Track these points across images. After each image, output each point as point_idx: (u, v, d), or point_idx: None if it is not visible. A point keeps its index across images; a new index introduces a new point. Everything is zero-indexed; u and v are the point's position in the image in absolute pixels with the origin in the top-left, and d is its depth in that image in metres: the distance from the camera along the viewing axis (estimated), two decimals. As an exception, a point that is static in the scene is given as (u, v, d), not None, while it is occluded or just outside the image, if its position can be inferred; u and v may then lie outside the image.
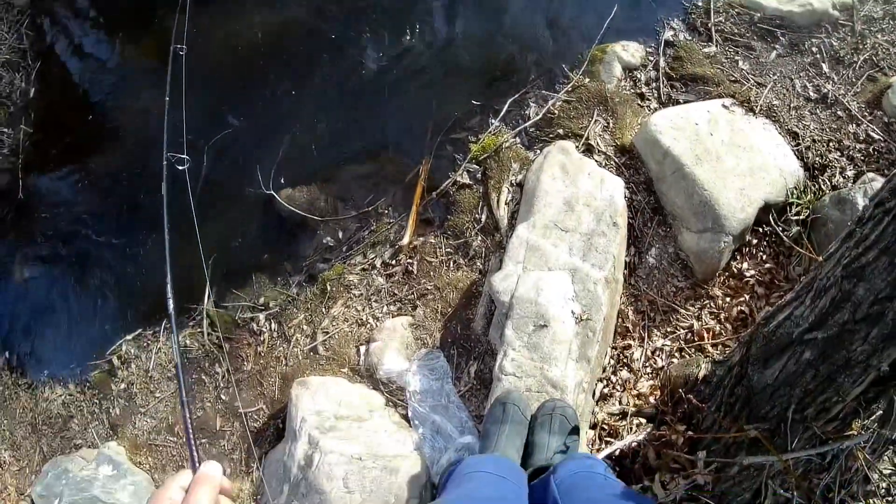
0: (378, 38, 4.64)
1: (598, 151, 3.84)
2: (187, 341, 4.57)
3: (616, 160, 3.81)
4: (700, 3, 4.20)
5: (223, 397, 4.35)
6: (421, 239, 3.95)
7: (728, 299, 3.48)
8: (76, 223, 5.15)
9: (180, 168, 2.66)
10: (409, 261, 3.93)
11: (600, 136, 3.91)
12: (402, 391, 3.58)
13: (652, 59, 4.10)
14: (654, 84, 4.04)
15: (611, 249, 3.38)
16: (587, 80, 4.04)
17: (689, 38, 4.11)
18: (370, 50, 4.59)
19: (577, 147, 3.78)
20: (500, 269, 3.38)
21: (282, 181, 4.43)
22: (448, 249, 3.87)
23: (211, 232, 4.48)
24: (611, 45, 4.08)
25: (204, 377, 4.47)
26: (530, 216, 3.49)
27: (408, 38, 4.53)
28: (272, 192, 4.33)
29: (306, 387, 3.65)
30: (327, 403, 3.55)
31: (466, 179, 3.94)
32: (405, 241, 3.93)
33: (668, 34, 4.05)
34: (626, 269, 3.57)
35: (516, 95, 4.09)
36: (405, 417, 3.56)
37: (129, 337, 4.81)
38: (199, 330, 4.60)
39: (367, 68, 4.54)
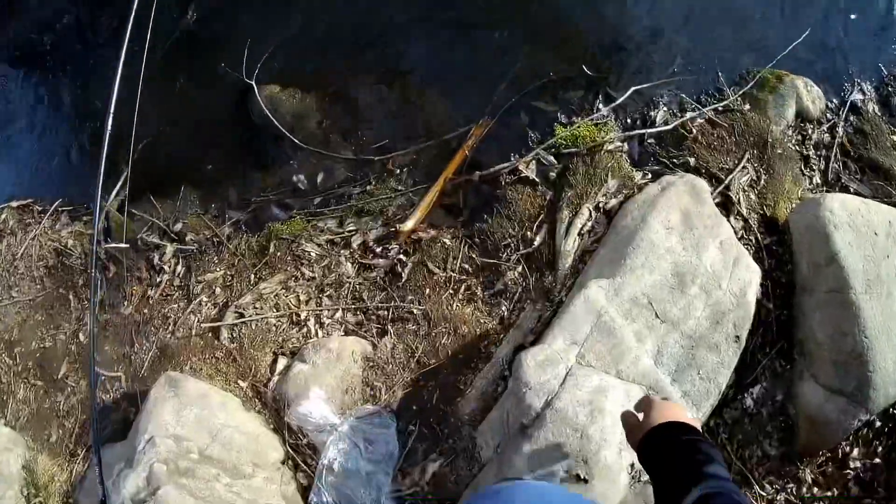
0: None
1: (738, 213, 2.49)
2: (70, 239, 3.26)
3: (758, 235, 2.48)
4: (901, 76, 2.85)
5: (81, 337, 3.09)
6: (431, 232, 2.61)
7: (815, 489, 2.40)
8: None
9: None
10: (401, 257, 2.59)
11: (745, 190, 2.55)
12: (315, 453, 2.26)
13: (830, 117, 2.76)
14: (823, 152, 2.73)
15: (719, 378, 2.06)
16: (747, 106, 2.69)
17: (881, 114, 2.80)
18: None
19: (711, 193, 2.44)
20: (538, 340, 2.05)
21: (270, 70, 3.08)
22: (466, 265, 2.52)
23: (155, 99, 3.13)
24: (791, 75, 2.70)
25: (70, 296, 3.21)
26: (616, 272, 2.17)
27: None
28: (252, 82, 2.92)
29: (177, 388, 2.35)
30: (197, 429, 2.26)
31: (532, 173, 2.58)
32: (408, 225, 2.58)
33: (856, 95, 2.77)
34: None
35: (644, 85, 2.71)
36: (305, 491, 2.26)
37: (14, 203, 3.60)
38: (89, 230, 3.27)
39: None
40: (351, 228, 2.66)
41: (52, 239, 3.33)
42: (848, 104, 2.78)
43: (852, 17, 2.99)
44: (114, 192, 3.15)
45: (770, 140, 2.62)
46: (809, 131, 2.74)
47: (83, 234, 3.27)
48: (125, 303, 2.99)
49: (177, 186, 3.05)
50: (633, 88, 2.68)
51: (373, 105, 2.91)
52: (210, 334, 2.69)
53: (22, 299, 3.38)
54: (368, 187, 2.73)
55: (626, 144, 2.63)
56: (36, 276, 3.36)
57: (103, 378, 2.96)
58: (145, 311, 2.94)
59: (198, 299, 2.78)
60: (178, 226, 2.94)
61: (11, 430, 3.11)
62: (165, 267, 2.91)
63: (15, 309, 3.42)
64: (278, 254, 2.69)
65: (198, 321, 2.74)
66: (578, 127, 2.61)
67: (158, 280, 2.92)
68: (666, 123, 2.64)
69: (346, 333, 2.55)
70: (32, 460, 3.03)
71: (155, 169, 3.14)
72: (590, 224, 2.50)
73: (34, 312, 3.32)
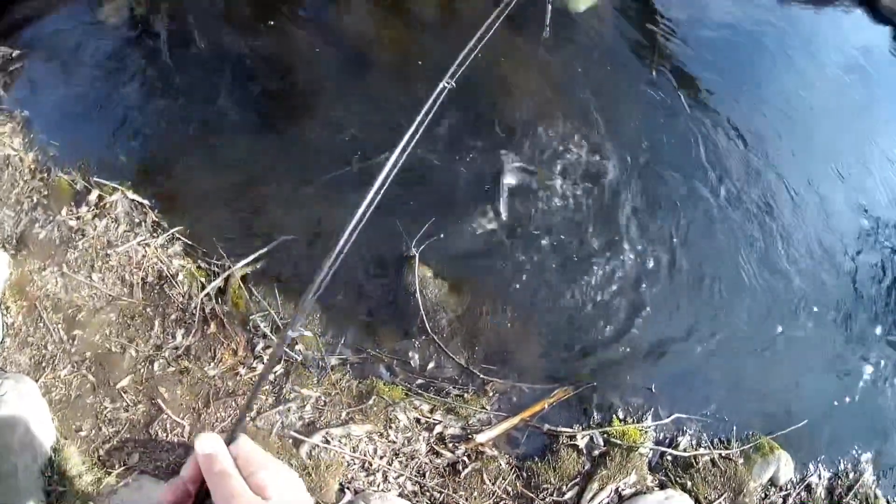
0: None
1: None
2: (181, 273, 3.55)
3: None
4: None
5: (155, 366, 3.39)
6: (495, 451, 3.23)
7: None
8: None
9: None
10: (465, 459, 3.19)
11: (705, 515, 3.42)
12: None
13: (789, 488, 3.63)
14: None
15: None
16: (741, 460, 3.52)
17: (824, 497, 3.72)
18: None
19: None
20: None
21: (432, 253, 3.58)
22: (509, 487, 3.18)
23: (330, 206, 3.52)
24: (780, 449, 3.58)
25: (156, 322, 3.54)
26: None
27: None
28: (416, 254, 3.42)
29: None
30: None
31: (582, 444, 3.28)
32: (480, 438, 3.19)
33: (813, 478, 3.63)
34: None
35: (684, 416, 3.48)
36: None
37: (129, 194, 3.70)
38: (201, 276, 3.56)
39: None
40: (437, 418, 3.23)
41: (161, 260, 3.56)
42: (804, 483, 3.71)
43: (853, 421, 3.70)
44: (244, 262, 3.48)
45: (744, 490, 3.49)
46: (771, 494, 3.61)
47: (195, 276, 3.53)
48: (212, 363, 3.34)
49: (301, 293, 3.43)
50: (675, 415, 3.44)
51: (499, 333, 3.46)
52: (290, 441, 3.15)
53: (101, 289, 3.56)
54: (465, 395, 3.30)
55: (651, 452, 3.42)
56: (127, 279, 3.55)
57: (166, 417, 3.29)
58: (230, 382, 3.31)
59: (288, 405, 3.21)
60: (295, 332, 3.34)
61: (43, 400, 3.30)
62: (265, 359, 3.31)
63: (88, 292, 3.60)
64: (375, 409, 3.21)
65: (281, 423, 3.18)
66: (629, 427, 3.37)
67: (253, 365, 3.31)
68: (685, 451, 3.42)
69: (402, 496, 3.12)
70: (59, 445, 3.26)
71: (291, 264, 3.50)
72: (607, 500, 3.26)
73: (110, 309, 3.50)
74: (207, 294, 3.40)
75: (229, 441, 1.00)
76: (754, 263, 3.88)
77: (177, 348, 3.39)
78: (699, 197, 4.08)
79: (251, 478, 0.94)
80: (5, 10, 5.12)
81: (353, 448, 3.13)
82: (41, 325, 3.50)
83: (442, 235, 3.61)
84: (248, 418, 3.21)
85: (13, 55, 4.80)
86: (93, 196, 3.78)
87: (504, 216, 3.77)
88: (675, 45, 4.89)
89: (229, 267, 3.45)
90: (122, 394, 3.31)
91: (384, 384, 3.28)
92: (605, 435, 3.33)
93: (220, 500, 0.90)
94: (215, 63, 4.42)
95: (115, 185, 3.77)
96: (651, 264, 3.79)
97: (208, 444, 0.96)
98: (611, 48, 4.75)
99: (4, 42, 4.87)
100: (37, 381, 3.33)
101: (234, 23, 4.68)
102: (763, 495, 3.58)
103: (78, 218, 3.77)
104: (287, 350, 3.29)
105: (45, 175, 4.03)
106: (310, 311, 3.36)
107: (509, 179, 3.90)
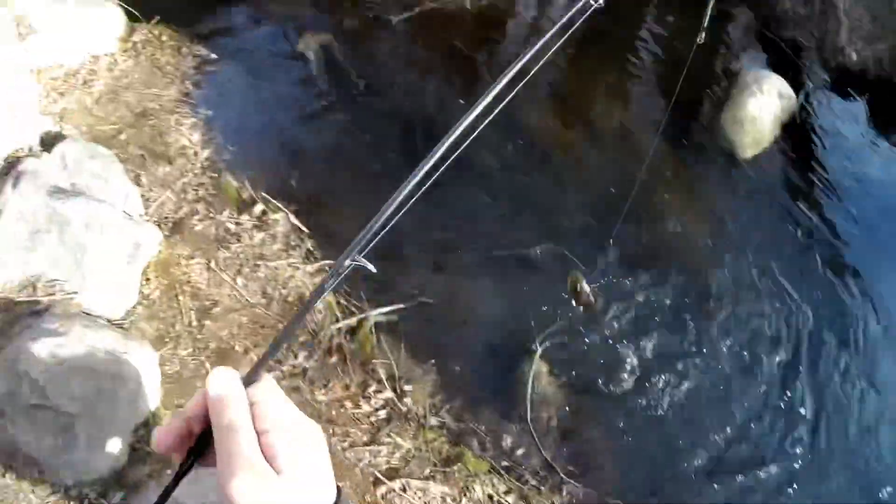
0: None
1: None
2: (320, 302, 3.85)
3: None
4: None
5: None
6: None
7: None
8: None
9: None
10: None
11: None
12: None
13: None
14: None
15: None
16: None
17: None
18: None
19: None
20: None
21: (557, 351, 3.91)
22: None
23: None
24: None
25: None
26: None
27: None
28: (538, 350, 3.78)
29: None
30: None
31: None
32: None
33: None
34: None
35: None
36: None
37: (292, 218, 4.06)
38: (339, 310, 3.87)
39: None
40: (509, 501, 3.47)
41: (306, 287, 3.84)
42: None
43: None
44: (380, 310, 3.83)
45: None
46: None
47: (332, 310, 3.77)
48: (322, 390, 3.65)
49: (426, 355, 3.74)
50: None
51: (591, 443, 3.64)
52: (371, 479, 3.43)
53: (242, 293, 3.90)
54: (541, 487, 3.45)
55: None
56: (269, 293, 3.83)
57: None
58: (333, 412, 3.61)
59: (379, 447, 3.50)
60: (409, 387, 3.66)
61: (157, 369, 3.49)
62: (373, 402, 3.61)
63: (229, 291, 3.96)
64: (457, 475, 3.46)
65: (369, 462, 3.46)
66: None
67: (359, 404, 3.61)
68: None
69: None
70: (159, 412, 3.49)
71: (422, 327, 3.82)
72: None
73: (244, 313, 3.76)
74: (339, 329, 3.73)
75: (248, 382, 0.82)
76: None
77: (294, 367, 3.68)
78: (831, 377, 4.13)
79: (265, 436, 0.77)
80: (213, 14, 5.69)
81: (426, 503, 3.38)
82: (175, 305, 3.78)
83: (566, 340, 3.88)
84: (339, 448, 3.50)
85: (210, 57, 5.35)
86: (257, 209, 4.17)
87: (635, 338, 4.03)
88: (833, 208, 4.99)
89: (366, 311, 3.79)
90: (229, 392, 3.62)
91: (472, 455, 3.53)
92: None
93: (222, 458, 0.74)
94: (403, 122, 4.81)
95: (281, 206, 4.17)
96: (767, 432, 3.88)
97: (222, 383, 0.78)
98: (770, 196, 4.95)
99: (205, 44, 5.42)
100: (157, 352, 3.54)
101: (429, 89, 5.13)
102: None
103: (237, 224, 4.15)
104: (396, 401, 3.60)
105: (216, 175, 4.46)
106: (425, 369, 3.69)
107: (646, 304, 4.16)
